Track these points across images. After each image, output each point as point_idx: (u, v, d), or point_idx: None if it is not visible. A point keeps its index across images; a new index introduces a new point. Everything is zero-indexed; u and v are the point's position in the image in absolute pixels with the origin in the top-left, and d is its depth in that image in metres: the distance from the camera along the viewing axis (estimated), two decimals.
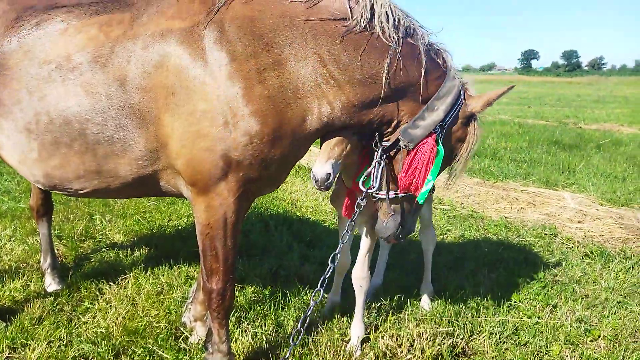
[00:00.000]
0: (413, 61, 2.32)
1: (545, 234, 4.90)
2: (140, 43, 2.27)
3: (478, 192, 6.31)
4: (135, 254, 4.17)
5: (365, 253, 3.03)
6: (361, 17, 2.22)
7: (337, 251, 2.56)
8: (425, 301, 3.53)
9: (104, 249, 4.26)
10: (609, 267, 4.18)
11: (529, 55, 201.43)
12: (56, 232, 4.57)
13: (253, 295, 3.53)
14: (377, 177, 2.48)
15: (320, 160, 2.41)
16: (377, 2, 2.26)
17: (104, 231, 4.71)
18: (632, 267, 4.18)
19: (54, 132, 2.37)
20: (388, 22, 2.26)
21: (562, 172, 7.90)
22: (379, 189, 2.51)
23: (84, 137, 2.35)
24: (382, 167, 2.47)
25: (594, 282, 3.94)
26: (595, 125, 15.02)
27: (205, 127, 2.20)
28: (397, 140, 2.43)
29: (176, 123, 2.25)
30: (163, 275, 3.73)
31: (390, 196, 2.55)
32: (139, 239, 4.54)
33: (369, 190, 2.51)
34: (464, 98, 2.49)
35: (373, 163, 2.49)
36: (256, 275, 3.79)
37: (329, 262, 2.51)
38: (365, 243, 3.04)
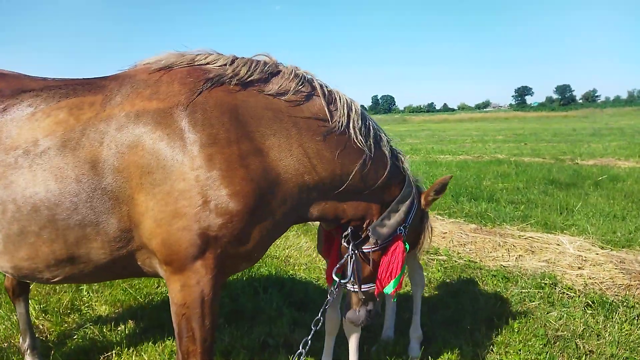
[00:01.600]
0: (380, 165, 2.59)
1: (545, 284, 4.74)
2: (114, 124, 2.24)
3: (475, 240, 6.18)
4: (119, 328, 4.02)
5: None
6: (339, 120, 2.42)
7: (319, 315, 2.54)
8: (413, 346, 3.47)
9: (88, 324, 4.11)
10: (612, 318, 4.01)
11: (523, 92, 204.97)
12: (42, 305, 4.45)
13: None
14: (349, 271, 2.63)
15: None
16: (352, 110, 2.48)
17: (90, 303, 4.58)
18: (637, 318, 4.00)
19: (21, 221, 2.28)
20: (362, 128, 2.50)
21: (561, 213, 7.79)
22: (353, 283, 2.67)
23: (54, 223, 2.26)
24: (354, 261, 2.63)
25: (597, 336, 3.76)
26: (592, 161, 15.01)
27: (183, 207, 2.15)
28: (367, 237, 2.64)
29: (151, 202, 2.19)
30: (146, 352, 3.57)
31: (362, 289, 2.72)
32: (125, 310, 4.41)
33: (342, 281, 2.63)
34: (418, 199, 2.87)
35: (345, 256, 2.64)
36: (243, 347, 3.64)
37: (312, 326, 2.50)
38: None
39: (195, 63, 2.39)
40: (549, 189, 9.86)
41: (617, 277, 4.74)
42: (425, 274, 5.11)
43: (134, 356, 3.54)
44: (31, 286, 4.77)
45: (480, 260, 5.58)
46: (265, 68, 2.44)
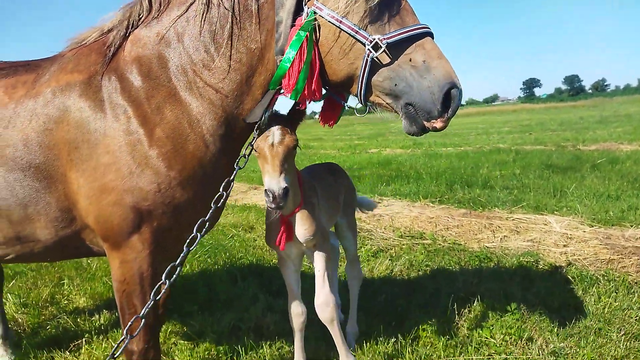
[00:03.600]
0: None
1: (527, 262, 4.66)
2: (42, 100, 2.24)
3: (461, 223, 6.11)
4: (94, 318, 4.03)
5: (320, 276, 2.75)
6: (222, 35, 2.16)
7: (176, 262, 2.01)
8: (349, 341, 3.27)
9: (63, 315, 4.12)
10: (590, 291, 3.92)
11: (531, 84, 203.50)
12: (22, 300, 4.47)
13: (206, 353, 3.35)
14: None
15: (272, 174, 2.29)
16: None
17: (69, 296, 4.60)
18: (616, 290, 3.91)
19: None
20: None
21: (555, 196, 7.67)
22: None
23: None
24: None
25: (574, 309, 3.68)
26: (594, 146, 14.76)
27: (110, 181, 2.11)
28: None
29: (81, 179, 2.17)
30: (114, 339, 3.57)
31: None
32: (102, 301, 4.41)
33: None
34: None
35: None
36: (213, 332, 3.62)
37: (184, 247, 2.05)
38: (317, 268, 2.77)
39: (105, 29, 2.35)
40: (545, 174, 9.71)
41: (601, 252, 4.64)
42: (407, 257, 5.07)
43: (103, 342, 3.54)
44: (10, 284, 4.83)
45: (465, 243, 5.50)
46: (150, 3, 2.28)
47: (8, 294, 4.51)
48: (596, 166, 10.20)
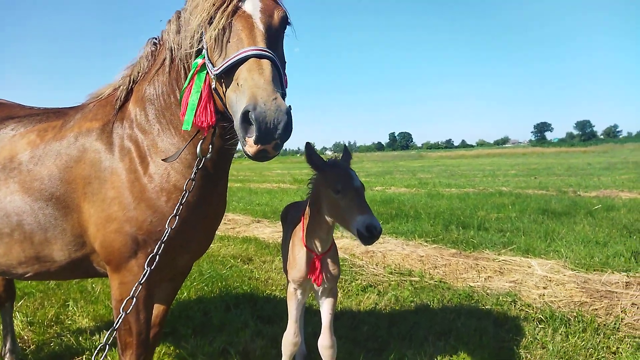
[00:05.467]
0: None
1: (505, 301, 4.91)
2: (65, 142, 2.67)
3: (449, 263, 6.37)
4: (94, 338, 4.33)
5: (329, 320, 3.02)
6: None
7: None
8: None
9: (67, 334, 4.43)
10: (559, 331, 4.15)
11: (542, 128, 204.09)
12: (28, 318, 4.79)
13: None
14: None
15: (368, 211, 2.51)
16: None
17: (73, 317, 4.91)
18: (583, 330, 4.14)
19: None
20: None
21: (545, 240, 7.91)
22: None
23: (22, 227, 2.67)
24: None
25: (542, 347, 3.92)
26: (594, 192, 14.99)
27: (114, 212, 2.48)
28: None
29: (92, 209, 2.55)
30: (113, 357, 3.86)
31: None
32: (104, 323, 4.72)
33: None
34: None
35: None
36: (204, 354, 3.90)
37: (146, 266, 2.25)
38: (327, 310, 3.04)
39: (117, 85, 2.78)
40: (540, 218, 9.96)
41: (576, 295, 4.88)
42: (393, 293, 5.34)
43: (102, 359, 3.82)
44: (19, 303, 5.16)
45: (450, 282, 5.76)
46: (146, 62, 2.68)
47: (17, 312, 4.84)
48: (591, 212, 10.42)
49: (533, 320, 4.46)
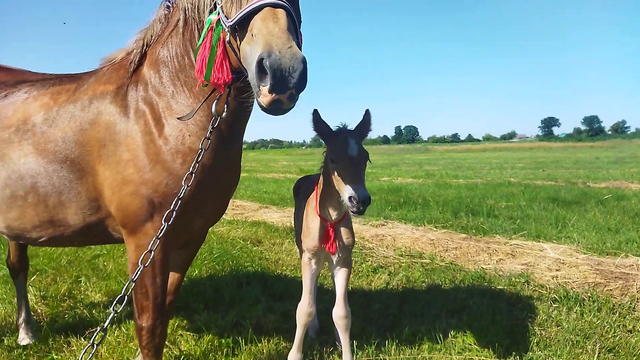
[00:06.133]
0: None
1: (518, 282, 4.88)
2: (79, 105, 2.65)
3: (460, 246, 6.34)
4: (108, 310, 4.34)
5: (343, 291, 3.03)
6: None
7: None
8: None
9: (81, 307, 4.45)
10: (574, 309, 4.13)
11: (550, 123, 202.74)
12: (41, 293, 4.82)
13: (209, 344, 3.63)
14: None
15: (358, 182, 2.48)
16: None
17: (86, 292, 4.93)
18: (599, 309, 4.11)
19: (10, 187, 2.69)
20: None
21: (556, 227, 7.86)
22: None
23: (36, 189, 2.66)
24: None
25: (557, 325, 3.89)
26: (604, 184, 14.88)
27: (130, 174, 2.46)
28: None
29: (107, 172, 2.54)
30: (128, 329, 3.87)
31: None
32: (116, 297, 4.72)
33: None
34: None
35: None
36: (217, 326, 3.90)
37: (163, 222, 2.25)
38: (341, 280, 3.04)
39: (130, 49, 2.74)
40: (550, 206, 9.90)
41: (590, 276, 4.84)
42: (404, 273, 5.33)
43: (115, 330, 3.84)
44: (32, 278, 5.19)
45: (462, 264, 5.73)
46: (160, 25, 2.65)
47: (30, 287, 4.86)
48: (602, 202, 10.35)
49: (547, 300, 4.43)
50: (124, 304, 2.02)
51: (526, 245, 6.19)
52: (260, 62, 1.74)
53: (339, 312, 3.03)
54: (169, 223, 2.22)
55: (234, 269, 5.55)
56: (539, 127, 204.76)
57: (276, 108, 1.82)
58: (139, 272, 2.13)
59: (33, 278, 5.27)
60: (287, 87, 1.74)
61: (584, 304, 4.27)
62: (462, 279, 5.15)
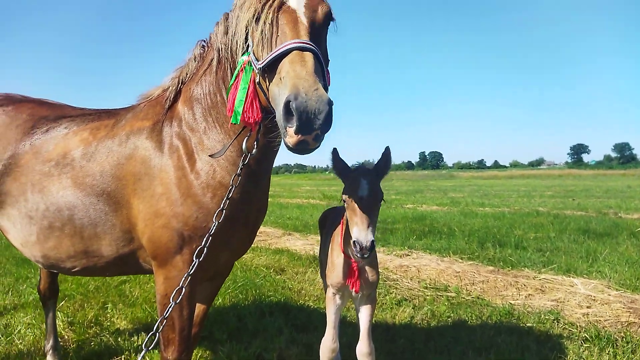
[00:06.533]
0: None
1: (547, 319, 4.74)
2: (117, 140, 2.76)
3: (487, 279, 6.21)
4: (133, 339, 4.39)
5: (367, 327, 2.99)
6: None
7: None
8: None
9: (107, 334, 4.51)
10: (606, 350, 3.97)
11: (579, 150, 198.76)
12: (69, 319, 4.91)
13: None
14: None
15: (361, 227, 2.47)
16: None
17: (112, 319, 5.00)
18: (633, 351, 3.95)
19: (49, 218, 2.80)
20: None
21: (587, 260, 7.63)
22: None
23: (72, 221, 2.76)
24: None
25: None
26: (636, 215, 14.43)
27: (162, 207, 2.53)
28: None
29: (141, 205, 2.62)
30: (151, 357, 3.90)
31: None
32: (141, 325, 4.79)
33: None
34: None
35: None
36: (239, 358, 3.90)
37: (194, 258, 2.31)
38: (365, 317, 3.01)
39: (166, 86, 2.86)
40: (580, 239, 9.63)
41: (623, 315, 4.67)
42: (429, 307, 5.24)
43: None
44: (60, 304, 5.29)
45: (489, 298, 5.60)
46: (194, 64, 2.76)
47: (58, 312, 4.96)
48: (634, 234, 10.02)
49: (577, 339, 4.28)
50: (155, 342, 2.04)
51: (556, 280, 6.02)
52: (287, 104, 1.80)
53: (363, 349, 2.99)
54: (200, 259, 2.27)
55: (257, 298, 5.56)
56: (567, 153, 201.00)
57: (302, 148, 1.88)
58: (170, 309, 2.16)
59: (62, 304, 5.38)
60: (313, 128, 1.80)
61: (616, 345, 4.11)
62: (490, 315, 5.03)
